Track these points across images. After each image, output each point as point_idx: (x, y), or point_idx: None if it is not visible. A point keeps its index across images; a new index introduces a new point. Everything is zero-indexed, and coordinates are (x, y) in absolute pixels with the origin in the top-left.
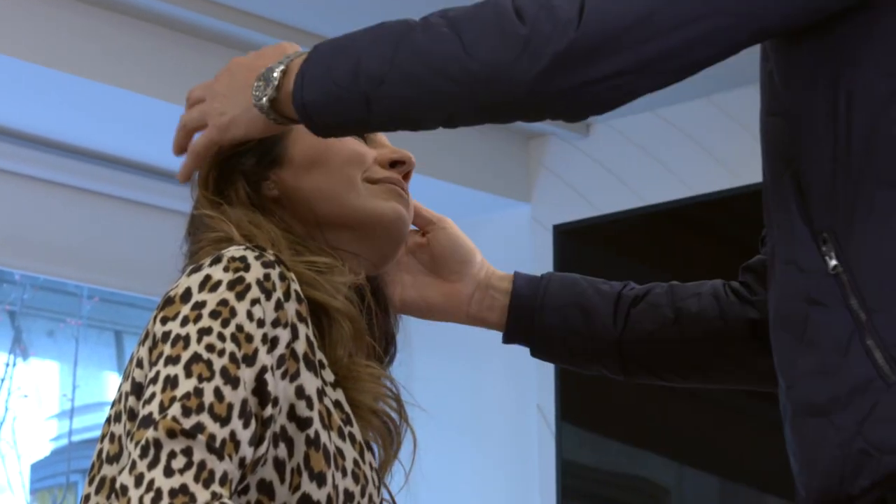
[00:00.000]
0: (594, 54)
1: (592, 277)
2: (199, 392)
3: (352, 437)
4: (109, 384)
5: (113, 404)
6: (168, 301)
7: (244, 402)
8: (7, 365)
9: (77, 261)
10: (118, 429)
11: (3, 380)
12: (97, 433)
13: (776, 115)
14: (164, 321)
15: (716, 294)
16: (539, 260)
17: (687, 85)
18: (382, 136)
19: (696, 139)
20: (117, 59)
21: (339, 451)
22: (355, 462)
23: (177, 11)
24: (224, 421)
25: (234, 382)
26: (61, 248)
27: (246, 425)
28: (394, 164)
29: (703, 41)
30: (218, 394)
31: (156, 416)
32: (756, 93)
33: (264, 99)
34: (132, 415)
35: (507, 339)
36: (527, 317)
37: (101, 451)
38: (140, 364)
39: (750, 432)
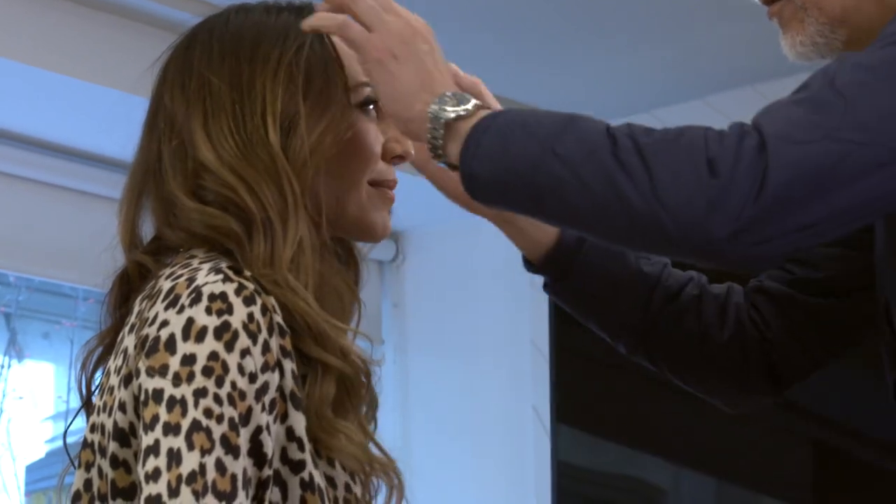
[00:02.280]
0: (785, 211)
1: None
2: (203, 469)
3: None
4: None
5: (92, 428)
6: (152, 347)
7: (244, 471)
8: (2, 367)
9: (72, 263)
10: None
11: None
12: None
13: None
14: (151, 373)
15: (740, 320)
16: None
17: (682, 86)
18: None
19: None
20: (110, 60)
21: (330, 481)
22: (346, 487)
23: (168, 12)
24: (229, 498)
25: (234, 452)
26: (56, 250)
27: (246, 494)
28: (394, 157)
29: (890, 188)
30: (220, 466)
31: (166, 500)
32: (752, 94)
33: (440, 139)
34: (115, 461)
35: (533, 271)
36: (561, 267)
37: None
38: (123, 408)
39: (746, 434)
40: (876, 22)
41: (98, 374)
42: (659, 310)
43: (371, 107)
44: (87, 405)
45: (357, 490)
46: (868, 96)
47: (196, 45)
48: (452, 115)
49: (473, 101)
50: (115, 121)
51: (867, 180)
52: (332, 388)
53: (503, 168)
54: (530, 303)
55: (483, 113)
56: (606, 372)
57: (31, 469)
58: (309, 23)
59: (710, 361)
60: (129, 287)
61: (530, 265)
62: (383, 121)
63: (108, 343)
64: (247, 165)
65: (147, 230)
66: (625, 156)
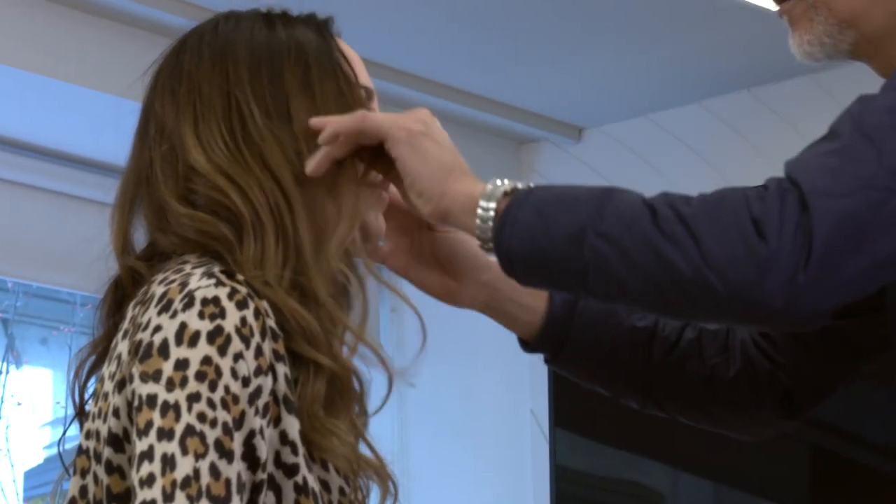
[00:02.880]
0: (834, 269)
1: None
2: (197, 474)
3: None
4: None
5: (87, 435)
6: (145, 352)
7: (238, 475)
8: (0, 373)
9: (70, 268)
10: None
11: None
12: None
13: None
14: (145, 379)
15: (746, 354)
16: None
17: (679, 89)
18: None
19: (689, 144)
20: (102, 63)
21: (325, 485)
22: (341, 490)
23: (159, 15)
24: (224, 502)
25: (228, 456)
26: (54, 255)
27: (241, 498)
28: None
29: None
30: (214, 471)
31: None
32: (748, 98)
33: (489, 232)
34: (109, 467)
35: (529, 350)
36: (555, 341)
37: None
38: (117, 413)
39: None
40: (883, 31)
41: (91, 382)
42: (660, 361)
43: (365, 109)
44: (80, 414)
45: (350, 493)
46: None
47: (186, 50)
48: (501, 191)
49: (504, 181)
50: (110, 125)
51: None
52: (323, 388)
53: (542, 245)
54: None
55: (515, 190)
56: None
57: (29, 475)
58: (333, 127)
59: (720, 400)
60: (122, 295)
61: (526, 345)
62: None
63: (101, 351)
64: (238, 168)
65: (139, 238)
66: (667, 225)
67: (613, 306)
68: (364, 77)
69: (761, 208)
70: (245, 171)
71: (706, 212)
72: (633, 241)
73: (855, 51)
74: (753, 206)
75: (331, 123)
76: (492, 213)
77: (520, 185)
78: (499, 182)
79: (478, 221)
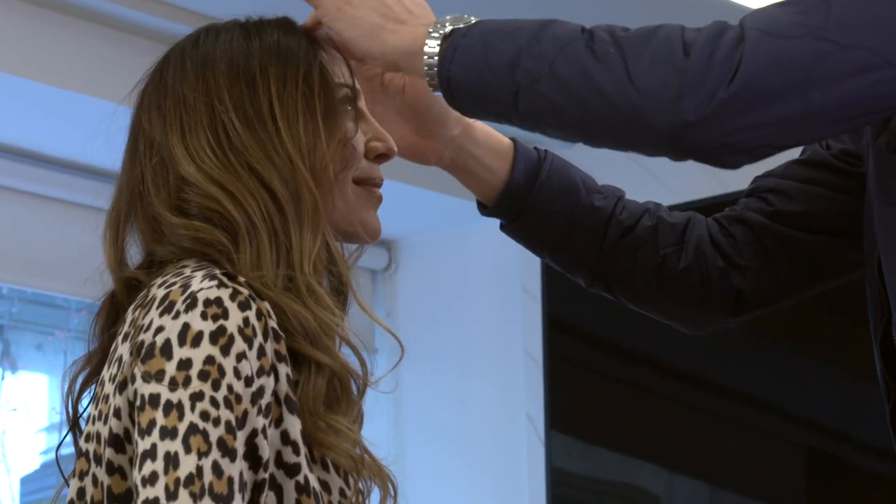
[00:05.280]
0: (759, 100)
1: (589, 181)
2: (200, 472)
3: (335, 464)
4: None
5: (87, 437)
6: (148, 352)
7: (241, 474)
8: None
9: (65, 274)
10: (87, 482)
11: None
12: None
13: None
14: (147, 379)
15: (700, 249)
16: (527, 268)
17: None
18: (366, 110)
19: None
20: (99, 71)
21: (325, 485)
22: (341, 492)
23: (156, 23)
24: (226, 500)
25: (231, 455)
26: (49, 261)
27: (242, 497)
28: (377, 156)
29: (871, 94)
30: (217, 469)
31: (164, 503)
32: None
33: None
34: (110, 467)
35: (486, 213)
36: (512, 208)
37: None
38: (118, 414)
39: (739, 439)
40: None
41: (85, 395)
42: (614, 243)
43: (349, 107)
44: (74, 426)
45: (351, 495)
46: (856, 2)
47: (169, 66)
48: (448, 27)
49: (447, 22)
50: (107, 132)
51: (847, 82)
52: (324, 386)
53: (483, 66)
54: (523, 311)
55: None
56: (600, 379)
57: (25, 481)
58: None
59: (668, 290)
60: (117, 309)
61: (484, 208)
62: (365, 120)
63: (95, 364)
64: (228, 176)
65: (133, 254)
66: (601, 47)
67: (544, 131)
68: (348, 76)
69: (695, 35)
70: (235, 178)
71: (641, 36)
72: (566, 61)
73: None
74: (688, 33)
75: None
76: (437, 49)
77: (461, 25)
78: (439, 24)
79: (425, 59)
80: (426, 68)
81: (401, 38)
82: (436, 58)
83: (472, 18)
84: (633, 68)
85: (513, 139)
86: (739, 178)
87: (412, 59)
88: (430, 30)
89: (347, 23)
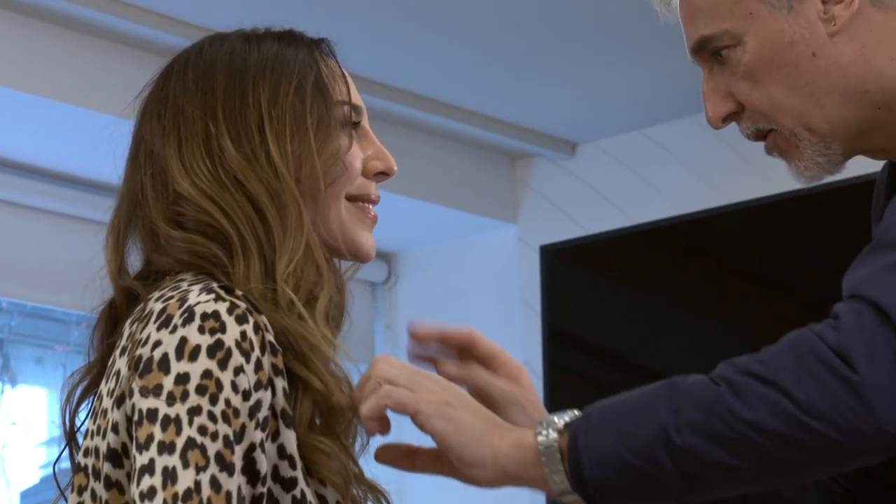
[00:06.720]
0: None
1: None
2: (198, 487)
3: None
4: None
5: (86, 452)
6: (145, 367)
7: (239, 488)
8: None
9: (64, 287)
10: (86, 497)
11: None
12: None
13: None
14: (145, 393)
15: (820, 485)
16: (526, 281)
17: (672, 104)
18: (369, 129)
19: (683, 158)
20: (104, 85)
21: (322, 500)
22: None
23: (156, 36)
24: None
25: (229, 469)
26: (49, 275)
27: None
28: (376, 174)
29: None
30: (215, 483)
31: None
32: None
33: (564, 483)
34: (108, 482)
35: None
36: None
37: None
38: (116, 429)
39: None
40: (862, 123)
41: (83, 407)
42: None
43: (347, 123)
44: (71, 439)
45: None
46: None
47: (172, 75)
48: (555, 428)
49: (554, 418)
50: (107, 145)
51: None
52: (310, 406)
53: (627, 461)
54: (523, 323)
55: (569, 424)
56: (599, 391)
57: (25, 495)
58: (364, 412)
59: None
60: (116, 318)
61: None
62: (366, 138)
63: (94, 375)
64: (221, 191)
65: (133, 261)
66: (749, 392)
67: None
68: (354, 95)
69: (839, 338)
70: (226, 192)
71: (783, 364)
72: (723, 422)
73: (849, 153)
74: (830, 339)
75: (360, 407)
76: (557, 456)
77: (567, 419)
78: (545, 423)
79: (545, 470)
80: (548, 476)
81: (511, 444)
82: (558, 465)
83: (572, 413)
84: (800, 401)
85: None
86: (739, 189)
87: (529, 468)
88: (536, 431)
89: (453, 425)
